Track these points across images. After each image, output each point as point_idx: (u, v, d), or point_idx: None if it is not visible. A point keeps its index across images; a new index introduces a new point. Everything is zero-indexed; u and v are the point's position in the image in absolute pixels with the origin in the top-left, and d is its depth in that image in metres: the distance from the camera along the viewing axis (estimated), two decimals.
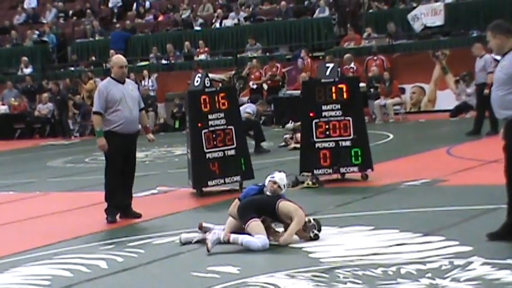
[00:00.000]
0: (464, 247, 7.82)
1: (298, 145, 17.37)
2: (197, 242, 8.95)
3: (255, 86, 26.03)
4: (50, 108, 28.17)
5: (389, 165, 14.17)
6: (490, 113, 17.95)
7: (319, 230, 8.70)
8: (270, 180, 8.98)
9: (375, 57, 24.90)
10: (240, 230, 8.78)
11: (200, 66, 25.71)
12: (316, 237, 8.66)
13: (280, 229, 8.86)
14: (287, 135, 18.52)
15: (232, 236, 8.57)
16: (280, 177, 8.99)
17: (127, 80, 11.22)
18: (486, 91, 17.60)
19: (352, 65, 24.32)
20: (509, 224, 7.99)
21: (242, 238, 8.53)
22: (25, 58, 31.40)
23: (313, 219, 8.77)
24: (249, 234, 8.56)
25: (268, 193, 8.94)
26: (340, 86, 12.66)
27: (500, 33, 7.86)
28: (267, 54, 27.81)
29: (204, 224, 9.27)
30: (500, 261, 7.20)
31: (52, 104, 28.07)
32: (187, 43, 29.11)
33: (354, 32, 27.08)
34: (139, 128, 11.20)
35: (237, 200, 8.99)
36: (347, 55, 24.68)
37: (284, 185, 9.03)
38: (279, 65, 26.25)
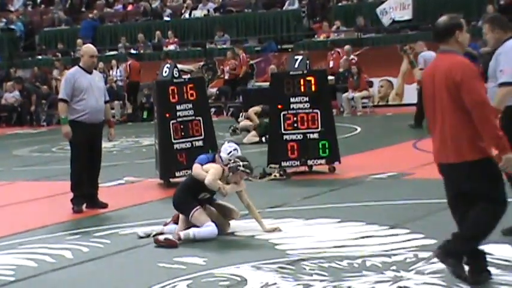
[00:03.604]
0: (429, 240, 7.89)
1: (256, 138, 17.46)
2: (156, 236, 8.84)
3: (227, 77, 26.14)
4: (17, 96, 27.90)
5: (357, 158, 14.23)
6: None
7: (247, 167, 8.71)
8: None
9: (332, 52, 24.99)
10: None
11: (169, 56, 25.59)
12: (246, 170, 8.70)
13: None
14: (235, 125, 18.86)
15: (182, 233, 8.53)
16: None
17: (94, 70, 11.16)
18: (417, 86, 17.86)
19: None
20: None
21: (192, 232, 8.52)
22: None
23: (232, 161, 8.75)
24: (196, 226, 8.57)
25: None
26: (308, 78, 12.69)
27: (500, 27, 7.85)
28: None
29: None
30: None
31: (18, 92, 27.81)
32: (157, 33, 28.98)
33: (329, 26, 27.11)
34: (104, 118, 11.12)
35: (197, 164, 8.96)
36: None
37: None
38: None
